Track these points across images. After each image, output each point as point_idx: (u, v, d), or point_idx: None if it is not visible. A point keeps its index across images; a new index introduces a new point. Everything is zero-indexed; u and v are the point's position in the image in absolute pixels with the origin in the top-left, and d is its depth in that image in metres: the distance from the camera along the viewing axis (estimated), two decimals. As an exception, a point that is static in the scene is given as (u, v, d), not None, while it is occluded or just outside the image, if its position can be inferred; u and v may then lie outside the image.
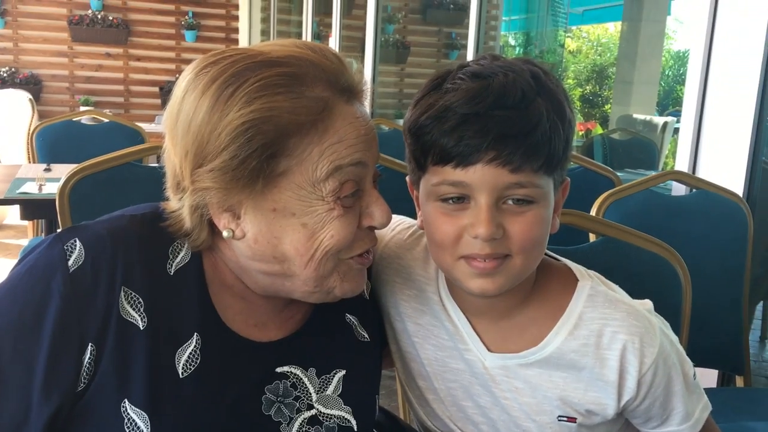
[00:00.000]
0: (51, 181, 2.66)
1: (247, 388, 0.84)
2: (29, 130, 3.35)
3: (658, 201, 1.86)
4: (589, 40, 11.08)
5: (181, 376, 0.80)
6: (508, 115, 0.76)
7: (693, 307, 1.34)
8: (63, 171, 1.70)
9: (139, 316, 0.79)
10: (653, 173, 1.92)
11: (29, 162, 3.32)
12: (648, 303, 0.91)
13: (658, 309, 0.92)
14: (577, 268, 0.92)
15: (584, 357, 0.86)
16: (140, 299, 0.80)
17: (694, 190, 1.96)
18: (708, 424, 0.92)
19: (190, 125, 0.77)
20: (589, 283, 0.89)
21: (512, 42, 7.80)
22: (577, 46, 10.67)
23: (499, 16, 6.91)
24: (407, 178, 0.90)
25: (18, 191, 2.59)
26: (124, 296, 0.79)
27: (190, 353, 0.81)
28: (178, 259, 0.84)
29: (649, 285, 1.29)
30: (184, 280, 0.83)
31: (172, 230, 0.83)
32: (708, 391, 0.95)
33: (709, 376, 2.13)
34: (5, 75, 7.38)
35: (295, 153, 0.77)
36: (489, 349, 0.90)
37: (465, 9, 7.26)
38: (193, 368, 0.81)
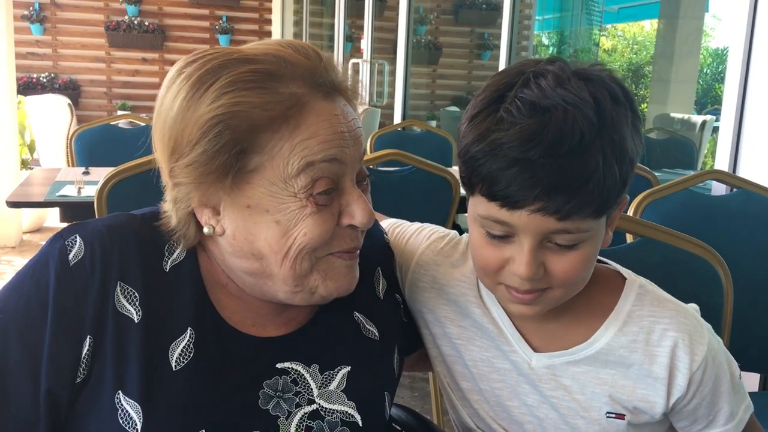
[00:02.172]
0: (90, 184, 2.70)
1: (243, 382, 0.84)
2: (68, 134, 3.42)
3: (698, 201, 1.82)
4: (624, 39, 10.93)
5: (174, 369, 0.81)
6: (560, 165, 0.72)
7: (734, 309, 1.32)
8: (101, 174, 1.73)
9: (134, 309, 0.81)
10: (692, 173, 1.88)
11: (68, 165, 3.38)
12: (694, 306, 0.91)
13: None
14: (625, 270, 0.92)
15: (633, 353, 0.86)
16: (135, 293, 0.82)
17: (734, 190, 1.92)
18: (751, 422, 0.91)
19: (166, 122, 0.79)
20: (638, 283, 0.89)
21: (546, 41, 7.74)
22: (612, 45, 10.53)
23: (532, 15, 6.86)
24: (459, 177, 0.88)
25: (58, 194, 2.64)
26: (120, 290, 0.81)
27: (183, 347, 0.82)
28: (174, 256, 0.86)
29: (688, 287, 1.26)
30: (179, 276, 0.85)
31: (163, 228, 0.85)
32: (749, 395, 0.93)
33: (750, 380, 2.08)
34: (45, 80, 7.55)
35: (266, 149, 0.77)
36: (534, 349, 0.90)
37: (497, 9, 7.22)
38: (185, 361, 0.82)
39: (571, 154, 0.72)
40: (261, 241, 0.80)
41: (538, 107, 0.74)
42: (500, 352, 0.92)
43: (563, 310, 0.88)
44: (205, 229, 0.82)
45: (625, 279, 0.90)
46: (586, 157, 0.73)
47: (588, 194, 0.73)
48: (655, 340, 0.85)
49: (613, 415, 0.87)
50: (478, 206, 0.80)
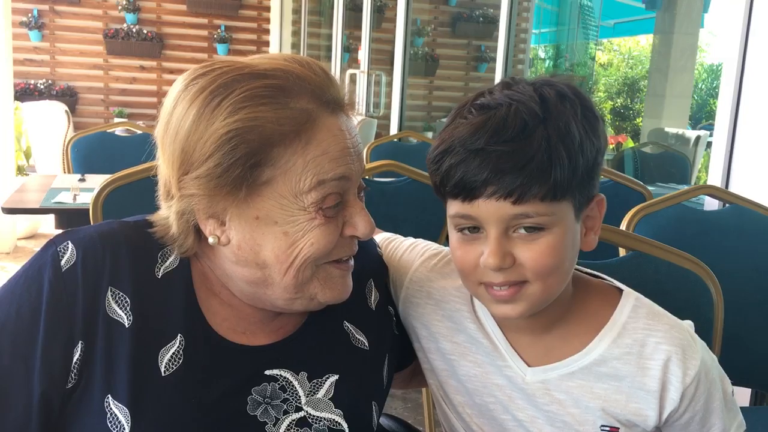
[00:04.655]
0: (85, 191, 2.70)
1: (232, 388, 0.85)
2: (65, 141, 3.41)
3: (691, 216, 1.83)
4: (620, 53, 10.99)
5: (163, 374, 0.82)
6: (505, 149, 0.78)
7: (725, 324, 1.32)
8: (97, 181, 1.73)
9: (125, 314, 0.82)
10: (685, 187, 1.89)
11: (64, 172, 3.37)
12: (689, 322, 0.91)
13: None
14: (622, 285, 0.93)
15: (626, 365, 0.86)
16: (127, 298, 0.83)
17: (727, 205, 1.93)
18: None
19: (178, 133, 0.80)
20: (634, 296, 0.90)
21: (542, 55, 7.78)
22: (608, 59, 10.59)
23: (529, 28, 6.90)
24: None
25: (53, 201, 2.64)
26: (111, 295, 0.82)
27: (173, 353, 0.83)
28: (167, 264, 0.87)
29: (680, 301, 1.27)
30: (171, 283, 0.86)
31: (159, 236, 0.86)
32: (741, 410, 0.93)
33: (741, 395, 2.09)
34: (42, 87, 7.55)
35: (279, 163, 0.79)
36: (528, 365, 0.90)
37: (494, 22, 7.26)
38: (175, 367, 0.82)
39: (514, 139, 0.78)
40: (267, 251, 0.81)
41: (486, 107, 0.81)
42: (494, 368, 0.92)
43: (557, 322, 0.89)
44: (210, 239, 0.83)
45: (620, 292, 0.91)
46: (530, 140, 0.78)
47: (534, 174, 0.77)
48: (648, 353, 0.86)
49: (608, 428, 0.88)
50: (449, 208, 0.85)
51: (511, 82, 0.84)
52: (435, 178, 0.84)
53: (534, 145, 0.77)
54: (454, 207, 0.83)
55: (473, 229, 0.83)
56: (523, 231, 0.80)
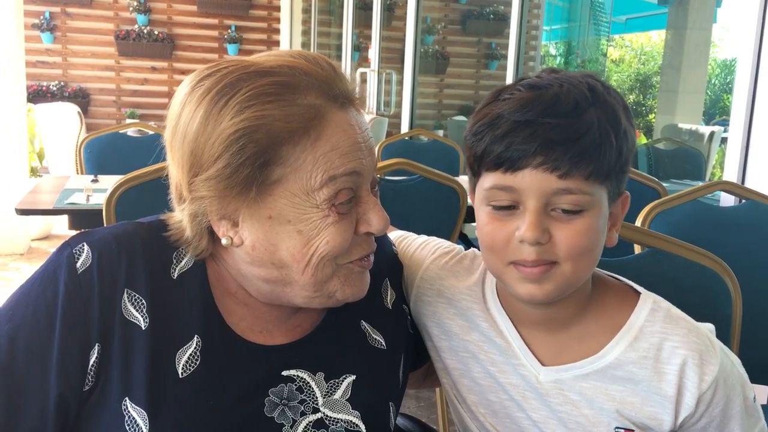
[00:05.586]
0: (98, 191, 2.71)
1: (249, 389, 0.85)
2: (77, 142, 3.42)
3: (706, 212, 1.82)
4: (632, 49, 10.93)
5: (180, 376, 0.81)
6: (558, 123, 0.77)
7: (743, 321, 1.31)
8: (110, 182, 1.74)
9: (141, 316, 0.82)
10: (700, 183, 1.88)
11: (77, 173, 3.39)
12: (710, 325, 0.90)
13: (707, 322, 0.90)
14: (639, 287, 0.91)
15: (642, 369, 0.85)
16: (143, 300, 0.82)
17: (743, 201, 1.91)
18: None
19: (186, 136, 0.79)
20: (652, 298, 0.89)
21: (553, 51, 7.75)
22: (619, 55, 10.53)
23: (539, 25, 6.87)
24: (467, 187, 0.91)
25: (66, 202, 2.65)
26: (127, 297, 0.82)
27: (190, 354, 0.83)
28: (182, 264, 0.86)
29: (697, 298, 1.26)
30: (186, 284, 0.85)
31: (174, 239, 0.85)
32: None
33: (759, 393, 2.07)
34: (55, 89, 7.60)
35: (289, 161, 0.78)
36: (542, 363, 0.89)
37: (505, 19, 7.24)
38: (192, 369, 0.82)
39: (567, 115, 0.78)
40: (283, 250, 0.81)
41: (536, 86, 0.82)
42: (509, 366, 0.91)
43: (573, 320, 0.88)
44: (224, 241, 0.82)
45: (638, 294, 0.89)
46: (582, 118, 0.78)
47: (584, 150, 0.78)
48: (665, 357, 0.85)
49: (622, 430, 0.87)
50: (484, 182, 0.83)
51: (558, 69, 0.85)
52: (475, 149, 0.83)
53: (586, 122, 0.78)
54: (491, 179, 0.82)
55: (509, 207, 0.82)
56: (560, 212, 0.80)
